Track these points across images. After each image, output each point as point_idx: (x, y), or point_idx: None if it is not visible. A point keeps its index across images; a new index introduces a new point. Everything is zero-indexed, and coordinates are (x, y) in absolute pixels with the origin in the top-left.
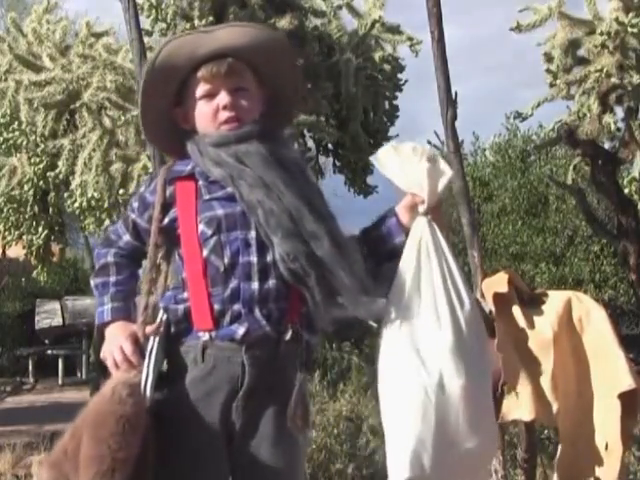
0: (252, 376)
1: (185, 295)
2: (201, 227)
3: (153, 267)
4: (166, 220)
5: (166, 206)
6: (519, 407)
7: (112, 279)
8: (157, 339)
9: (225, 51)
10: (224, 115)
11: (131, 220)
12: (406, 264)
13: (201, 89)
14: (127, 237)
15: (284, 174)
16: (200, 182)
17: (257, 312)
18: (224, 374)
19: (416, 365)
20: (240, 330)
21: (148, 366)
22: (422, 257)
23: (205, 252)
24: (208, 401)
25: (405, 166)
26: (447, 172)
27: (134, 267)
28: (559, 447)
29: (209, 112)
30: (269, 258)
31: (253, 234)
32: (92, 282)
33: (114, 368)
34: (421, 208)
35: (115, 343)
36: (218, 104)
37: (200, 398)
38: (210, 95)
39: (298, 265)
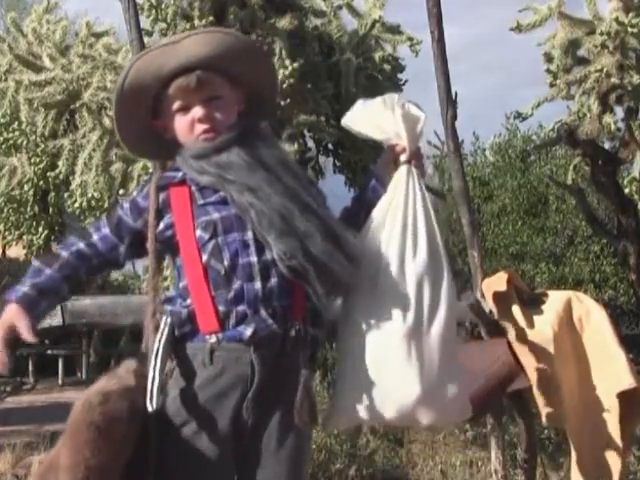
0: (261, 375)
1: (188, 301)
2: (198, 232)
3: (156, 274)
4: (161, 226)
5: (159, 212)
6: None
7: (48, 271)
8: (162, 342)
9: (191, 64)
10: (200, 128)
11: (117, 216)
12: (376, 211)
13: (174, 104)
14: (106, 230)
15: (268, 175)
16: (193, 188)
17: (262, 311)
18: (234, 375)
19: (363, 306)
20: (247, 331)
21: (154, 369)
22: (392, 204)
23: (205, 257)
24: (219, 403)
25: (379, 119)
26: (421, 115)
27: (81, 271)
28: (571, 448)
29: (185, 125)
30: (269, 257)
31: (250, 235)
32: (33, 262)
33: None
34: (403, 157)
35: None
36: (193, 117)
37: (211, 400)
38: (184, 109)
39: (296, 262)
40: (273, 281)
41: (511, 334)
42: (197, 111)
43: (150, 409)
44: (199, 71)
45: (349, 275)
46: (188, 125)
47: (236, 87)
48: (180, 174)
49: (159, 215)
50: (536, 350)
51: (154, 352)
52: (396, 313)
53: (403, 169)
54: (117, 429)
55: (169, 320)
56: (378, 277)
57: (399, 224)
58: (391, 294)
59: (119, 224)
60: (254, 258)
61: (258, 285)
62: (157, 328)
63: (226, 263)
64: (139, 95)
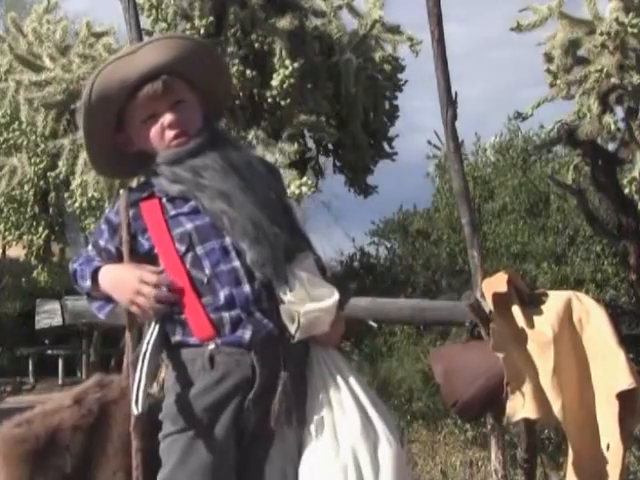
0: (262, 377)
1: (176, 308)
2: (175, 244)
3: None
4: (139, 239)
5: (130, 226)
6: (524, 406)
7: (97, 259)
8: (150, 345)
9: (155, 70)
10: (171, 133)
11: (101, 247)
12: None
13: (142, 113)
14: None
15: (240, 181)
16: (163, 199)
17: (257, 313)
18: (236, 379)
19: None
20: (246, 335)
21: (140, 372)
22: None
23: (187, 267)
24: (222, 406)
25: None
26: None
27: None
28: (569, 451)
29: (155, 133)
30: (247, 262)
31: (228, 240)
32: (71, 266)
33: (148, 310)
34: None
35: (130, 279)
36: (162, 123)
37: (214, 404)
38: (152, 116)
39: (266, 270)
40: (259, 283)
41: (495, 336)
42: (166, 117)
43: (135, 412)
44: (164, 76)
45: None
46: (158, 132)
47: (194, 90)
48: (147, 190)
49: (132, 230)
50: (535, 351)
51: (141, 355)
52: None
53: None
54: (29, 449)
55: (159, 324)
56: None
57: (325, 403)
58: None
59: (105, 254)
60: (237, 263)
61: (247, 288)
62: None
63: (207, 272)
64: (105, 108)
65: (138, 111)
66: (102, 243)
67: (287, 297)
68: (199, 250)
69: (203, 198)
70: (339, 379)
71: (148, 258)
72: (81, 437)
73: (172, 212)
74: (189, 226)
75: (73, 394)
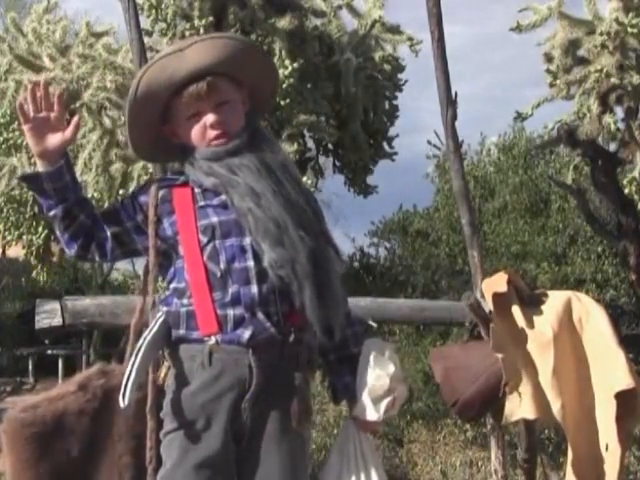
0: (259, 378)
1: (186, 301)
2: (199, 235)
3: (154, 268)
4: (165, 223)
5: (157, 207)
6: (522, 407)
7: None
8: (147, 340)
9: (201, 71)
10: (212, 133)
11: (110, 207)
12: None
13: (185, 111)
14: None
15: (273, 183)
16: (196, 190)
17: (260, 315)
18: (232, 377)
19: None
20: (246, 334)
21: (132, 365)
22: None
23: (204, 258)
24: (217, 404)
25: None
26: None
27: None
28: (569, 451)
29: (197, 131)
30: (265, 262)
31: (248, 240)
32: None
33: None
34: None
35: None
36: (205, 123)
37: (209, 402)
38: (195, 115)
39: (284, 272)
40: (269, 286)
41: (495, 337)
42: (209, 117)
43: (122, 405)
44: (209, 77)
45: (308, 306)
46: (200, 131)
47: (240, 88)
48: (182, 178)
49: (158, 212)
50: (534, 350)
51: (136, 349)
52: None
53: (352, 428)
54: (36, 432)
55: (162, 319)
56: None
57: None
58: None
59: (110, 214)
60: (251, 263)
61: (254, 289)
62: (142, 323)
63: (222, 266)
64: (150, 103)
65: (183, 108)
66: (116, 206)
67: (380, 373)
68: (218, 244)
69: (234, 194)
70: (362, 468)
71: (168, 242)
72: (86, 421)
73: (201, 203)
74: (214, 219)
75: (77, 380)
